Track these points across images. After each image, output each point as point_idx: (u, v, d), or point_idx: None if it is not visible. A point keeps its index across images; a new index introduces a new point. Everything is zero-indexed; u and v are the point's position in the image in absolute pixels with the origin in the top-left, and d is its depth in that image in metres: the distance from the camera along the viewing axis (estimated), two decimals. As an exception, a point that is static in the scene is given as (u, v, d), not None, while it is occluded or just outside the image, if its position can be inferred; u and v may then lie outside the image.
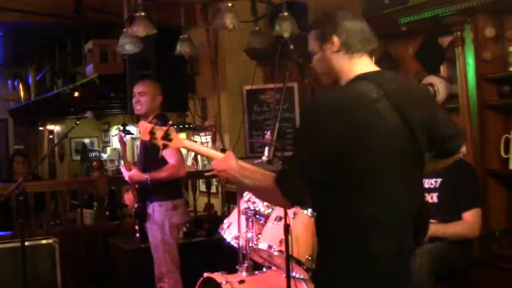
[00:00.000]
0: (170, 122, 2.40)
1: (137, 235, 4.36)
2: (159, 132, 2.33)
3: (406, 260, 2.02)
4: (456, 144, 2.22)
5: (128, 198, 4.39)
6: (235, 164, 2.21)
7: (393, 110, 1.95)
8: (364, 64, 2.08)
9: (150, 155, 4.22)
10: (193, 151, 2.45)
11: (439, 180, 3.68)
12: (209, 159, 2.37)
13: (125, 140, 4.40)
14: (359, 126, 1.90)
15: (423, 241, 2.11)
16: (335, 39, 2.08)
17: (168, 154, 4.12)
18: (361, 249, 1.93)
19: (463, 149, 2.28)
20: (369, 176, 1.92)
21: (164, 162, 4.14)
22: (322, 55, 2.13)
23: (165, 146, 2.34)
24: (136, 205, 4.29)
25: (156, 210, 4.22)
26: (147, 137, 2.34)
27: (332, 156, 1.89)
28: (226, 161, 2.23)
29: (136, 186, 4.29)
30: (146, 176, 4.15)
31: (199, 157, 7.11)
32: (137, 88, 4.39)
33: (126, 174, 4.28)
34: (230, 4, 4.24)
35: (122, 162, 4.86)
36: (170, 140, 2.33)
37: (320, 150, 1.91)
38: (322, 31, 2.14)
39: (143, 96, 4.32)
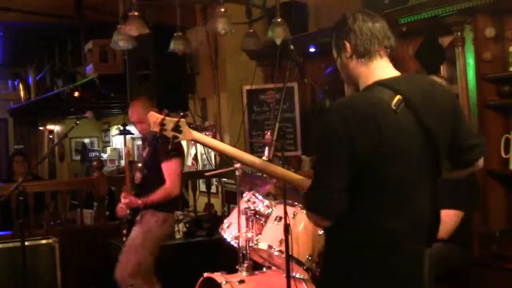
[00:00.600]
0: (181, 114, 2.34)
1: (124, 239, 4.36)
2: (170, 123, 2.27)
3: (419, 267, 1.99)
4: (475, 155, 2.12)
5: (121, 209, 4.39)
6: None
7: (412, 118, 1.90)
8: (381, 68, 2.03)
9: (154, 164, 4.22)
10: (202, 144, 2.38)
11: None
12: (221, 154, 2.33)
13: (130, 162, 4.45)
14: (374, 134, 1.84)
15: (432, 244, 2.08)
16: (347, 45, 2.03)
17: (167, 170, 4.16)
18: (373, 261, 1.91)
19: (481, 162, 2.17)
20: (384, 185, 1.89)
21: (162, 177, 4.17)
22: (340, 62, 2.09)
23: (174, 138, 2.27)
24: (128, 212, 4.31)
25: (146, 218, 4.24)
26: (157, 128, 2.28)
27: (347, 165, 1.85)
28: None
29: (133, 193, 4.32)
30: (139, 202, 4.19)
31: (199, 157, 7.11)
32: (131, 117, 4.38)
33: (123, 201, 4.32)
34: (223, 10, 4.23)
35: (122, 162, 4.84)
36: (180, 132, 2.27)
37: (334, 160, 1.87)
38: (336, 38, 2.08)
39: (141, 124, 4.32)
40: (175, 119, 2.27)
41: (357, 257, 1.93)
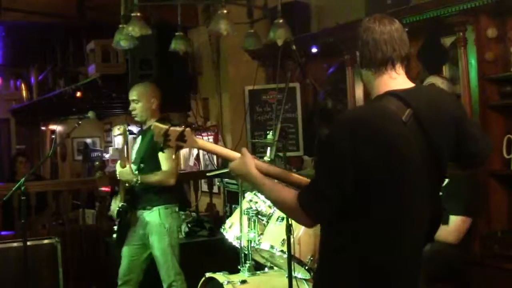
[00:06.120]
0: (187, 124, 2.30)
1: (114, 236, 4.30)
2: (174, 133, 2.20)
3: (416, 273, 2.01)
4: (481, 159, 2.16)
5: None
6: (253, 169, 2.11)
7: (418, 129, 1.90)
8: (392, 78, 1.99)
9: (152, 156, 4.18)
10: (207, 151, 2.34)
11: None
12: (225, 159, 2.25)
13: (128, 134, 4.34)
14: (382, 147, 1.85)
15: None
16: (357, 54, 2.03)
17: (163, 159, 4.10)
18: (373, 275, 1.92)
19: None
20: (385, 197, 1.89)
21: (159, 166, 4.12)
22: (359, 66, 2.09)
23: (179, 148, 2.23)
24: (120, 204, 4.22)
25: (162, 213, 4.19)
26: (160, 139, 2.21)
27: (350, 176, 1.85)
28: (244, 165, 2.12)
29: (126, 185, 4.22)
30: (137, 178, 4.10)
31: (201, 157, 7.11)
32: (131, 95, 4.26)
33: (117, 169, 4.21)
34: (225, 11, 4.23)
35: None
36: (185, 141, 2.21)
37: (337, 169, 1.87)
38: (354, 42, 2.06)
39: (137, 103, 4.22)
40: (180, 129, 2.21)
41: (357, 269, 1.93)
